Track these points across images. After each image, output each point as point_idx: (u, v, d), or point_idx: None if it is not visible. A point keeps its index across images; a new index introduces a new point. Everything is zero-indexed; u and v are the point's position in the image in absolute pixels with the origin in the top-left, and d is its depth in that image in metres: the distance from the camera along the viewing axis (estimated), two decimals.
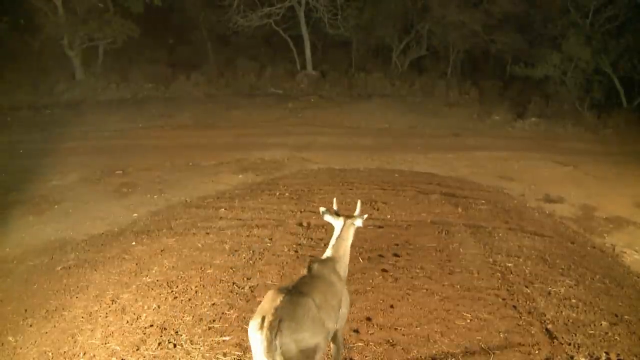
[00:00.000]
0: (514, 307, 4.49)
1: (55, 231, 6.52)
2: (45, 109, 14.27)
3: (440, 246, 5.76)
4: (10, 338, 4.18)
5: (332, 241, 3.27)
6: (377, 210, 6.89)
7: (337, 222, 3.31)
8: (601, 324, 4.34)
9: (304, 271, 3.11)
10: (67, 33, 16.30)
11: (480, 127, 13.49)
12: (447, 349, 3.86)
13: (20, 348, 4.05)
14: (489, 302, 4.54)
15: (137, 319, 4.28)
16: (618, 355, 3.93)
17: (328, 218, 3.36)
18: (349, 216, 3.34)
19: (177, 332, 4.06)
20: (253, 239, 5.91)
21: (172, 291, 4.71)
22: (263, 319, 2.54)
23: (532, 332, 4.12)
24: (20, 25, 16.11)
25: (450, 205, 7.19)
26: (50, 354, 3.91)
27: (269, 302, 2.66)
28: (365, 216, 3.39)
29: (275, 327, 2.49)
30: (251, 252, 5.53)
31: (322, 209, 3.37)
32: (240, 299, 4.52)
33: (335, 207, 3.41)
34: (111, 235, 6.30)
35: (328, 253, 3.24)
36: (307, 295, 2.74)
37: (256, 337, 2.54)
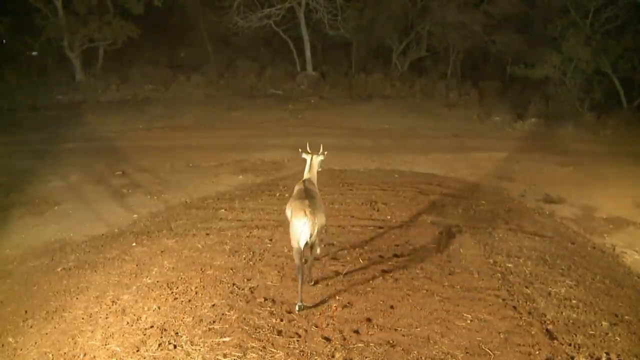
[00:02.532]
0: (514, 307, 4.49)
1: (56, 232, 6.52)
2: (45, 110, 14.28)
3: (441, 247, 5.76)
4: (11, 339, 4.18)
5: (307, 168, 4.99)
6: (377, 211, 6.89)
7: (307, 157, 5.04)
8: (601, 325, 4.33)
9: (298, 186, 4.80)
10: (67, 34, 16.32)
11: (480, 127, 13.49)
12: (447, 350, 3.86)
13: (21, 349, 4.05)
14: (489, 303, 4.54)
15: (137, 320, 4.28)
16: (618, 355, 3.93)
17: (304, 155, 5.05)
18: (315, 154, 5.02)
19: (177, 333, 4.05)
20: (253, 239, 5.91)
21: (172, 292, 4.71)
22: (305, 211, 4.22)
23: (533, 332, 4.12)
24: (20, 26, 16.12)
25: (450, 205, 7.19)
26: (50, 355, 3.91)
27: (300, 204, 4.33)
28: (326, 152, 5.06)
29: (313, 213, 4.23)
30: (251, 253, 5.53)
31: (300, 150, 5.08)
32: (241, 300, 4.52)
33: (308, 149, 5.10)
34: (111, 237, 6.31)
35: (307, 176, 4.94)
36: (316, 197, 4.61)
37: (304, 222, 4.20)
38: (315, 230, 4.27)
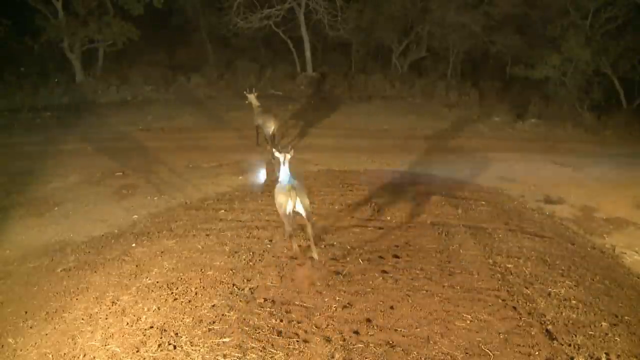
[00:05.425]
0: (514, 308, 4.49)
1: (56, 233, 6.53)
2: (45, 111, 14.28)
3: (440, 247, 5.76)
4: (11, 340, 4.19)
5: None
6: (377, 211, 6.89)
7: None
8: (601, 325, 4.34)
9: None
10: (67, 35, 16.32)
11: (480, 128, 13.49)
12: (447, 350, 3.86)
13: (21, 350, 4.05)
14: (489, 303, 4.54)
15: (137, 320, 4.28)
16: (618, 356, 3.93)
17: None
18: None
19: (177, 333, 4.06)
20: (253, 240, 5.91)
21: (172, 293, 4.71)
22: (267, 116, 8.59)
23: (532, 333, 4.12)
24: (20, 27, 16.14)
25: (450, 206, 7.19)
26: (50, 355, 3.91)
27: (267, 114, 8.91)
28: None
29: (270, 119, 8.93)
30: (251, 253, 5.53)
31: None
32: (240, 301, 4.52)
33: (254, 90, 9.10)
34: (111, 237, 6.31)
35: (258, 103, 8.61)
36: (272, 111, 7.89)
37: (270, 121, 8.76)
38: (273, 127, 8.83)
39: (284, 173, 5.38)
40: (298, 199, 5.04)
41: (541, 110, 14.64)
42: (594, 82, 14.43)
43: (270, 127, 8.87)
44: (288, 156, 5.49)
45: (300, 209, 5.07)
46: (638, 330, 4.33)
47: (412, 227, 6.36)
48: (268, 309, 4.38)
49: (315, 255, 5.29)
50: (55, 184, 8.35)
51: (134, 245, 5.91)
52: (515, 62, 16.32)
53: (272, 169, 5.59)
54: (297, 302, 4.50)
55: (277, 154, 5.63)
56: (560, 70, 14.47)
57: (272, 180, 6.06)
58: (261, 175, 8.31)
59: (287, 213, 5.06)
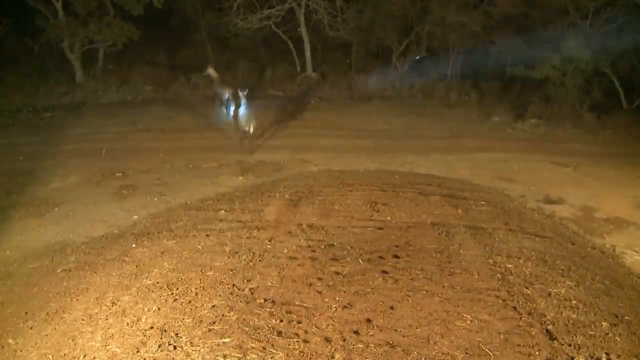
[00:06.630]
0: (514, 308, 4.49)
1: (56, 233, 6.53)
2: (45, 112, 14.29)
3: (441, 247, 5.76)
4: (11, 340, 4.19)
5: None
6: (377, 211, 6.89)
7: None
8: (601, 325, 4.34)
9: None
10: (67, 36, 16.33)
11: (480, 128, 13.49)
12: (447, 350, 3.86)
13: (21, 350, 4.05)
14: (489, 303, 4.54)
15: (137, 321, 4.28)
16: (618, 356, 3.93)
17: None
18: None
19: (177, 334, 4.06)
20: (253, 240, 5.91)
21: (172, 293, 4.71)
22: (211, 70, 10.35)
23: (532, 333, 4.12)
24: (20, 27, 16.16)
25: (450, 206, 7.19)
26: (50, 356, 3.91)
27: (213, 72, 10.17)
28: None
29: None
30: (251, 254, 5.53)
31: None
32: (240, 301, 4.52)
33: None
34: (111, 238, 6.31)
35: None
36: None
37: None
38: (227, 94, 10.25)
39: (244, 106, 9.46)
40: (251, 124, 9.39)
41: (541, 110, 14.61)
42: (594, 82, 14.41)
43: (225, 93, 11.09)
44: (245, 93, 9.38)
45: (251, 129, 9.45)
46: (638, 330, 4.33)
47: (412, 227, 6.36)
48: (268, 309, 4.38)
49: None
50: (55, 184, 8.35)
51: (134, 245, 5.91)
52: (515, 62, 16.30)
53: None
54: (297, 302, 4.50)
55: (240, 94, 9.53)
56: (560, 70, 14.45)
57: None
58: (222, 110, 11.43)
59: (243, 131, 9.30)
